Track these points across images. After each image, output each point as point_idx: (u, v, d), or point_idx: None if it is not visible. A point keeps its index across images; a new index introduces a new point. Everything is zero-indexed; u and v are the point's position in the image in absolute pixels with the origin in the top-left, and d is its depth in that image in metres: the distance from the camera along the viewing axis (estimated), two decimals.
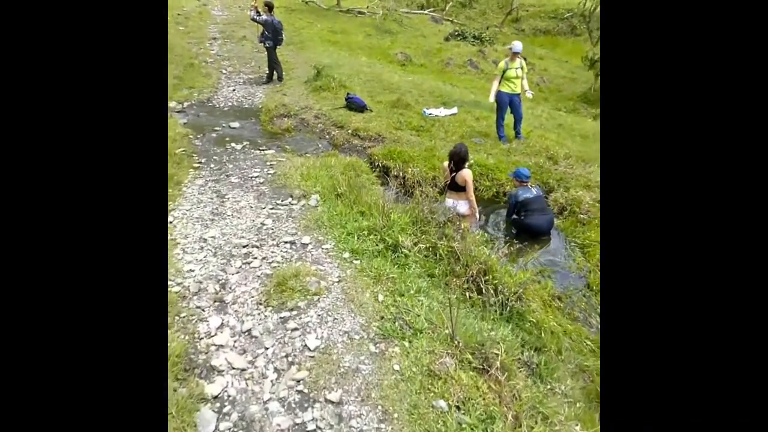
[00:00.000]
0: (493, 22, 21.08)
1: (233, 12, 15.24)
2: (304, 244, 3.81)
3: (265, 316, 2.88)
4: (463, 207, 4.67)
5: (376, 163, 6.39)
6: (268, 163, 5.71)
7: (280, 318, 2.84)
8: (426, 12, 19.81)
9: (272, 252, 3.66)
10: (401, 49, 14.11)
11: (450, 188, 4.67)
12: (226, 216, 4.31)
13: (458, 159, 4.57)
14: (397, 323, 2.77)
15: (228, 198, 4.71)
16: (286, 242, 3.82)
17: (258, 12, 8.96)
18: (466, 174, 4.57)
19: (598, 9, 17.93)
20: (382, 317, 2.84)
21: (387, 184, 6.16)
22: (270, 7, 8.98)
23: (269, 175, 5.32)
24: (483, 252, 3.73)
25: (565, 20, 21.77)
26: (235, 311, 2.94)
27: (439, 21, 18.64)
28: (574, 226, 5.19)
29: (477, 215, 4.84)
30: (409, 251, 3.74)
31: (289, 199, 4.67)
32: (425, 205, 4.13)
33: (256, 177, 5.28)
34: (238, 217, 4.28)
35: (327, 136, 7.20)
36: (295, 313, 2.88)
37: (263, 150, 6.33)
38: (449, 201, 4.66)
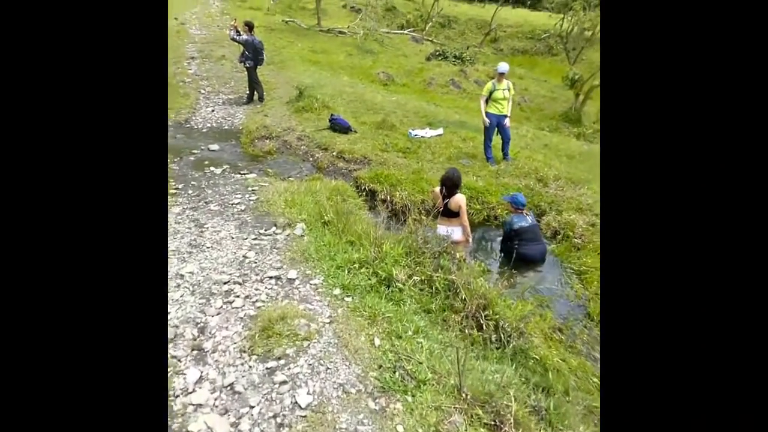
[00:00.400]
0: (472, 42, 21.40)
1: (212, 31, 15.03)
2: (290, 279, 3.53)
3: (250, 366, 2.58)
4: (457, 234, 4.48)
5: (363, 187, 6.18)
6: (250, 189, 5.44)
7: (267, 369, 2.55)
8: (406, 32, 19.98)
9: (256, 289, 3.37)
10: (383, 68, 14.09)
11: (442, 214, 4.48)
12: (205, 248, 4.00)
13: (451, 184, 4.39)
14: (397, 373, 2.51)
15: (207, 227, 4.41)
16: (270, 277, 3.54)
17: (238, 31, 8.77)
18: (460, 199, 4.39)
19: (575, 30, 18.40)
20: (381, 366, 2.58)
21: (374, 208, 5.95)
22: (250, 27, 8.80)
23: (251, 202, 5.04)
24: (482, 285, 3.52)
25: (542, 40, 22.27)
26: (216, 361, 2.64)
27: (419, 41, 18.79)
28: (568, 251, 5.05)
29: (470, 240, 4.66)
30: (404, 285, 3.50)
31: (273, 228, 4.39)
32: (419, 234, 3.91)
33: (237, 204, 4.99)
34: (219, 250, 3.98)
35: (311, 159, 6.97)
36: (283, 362, 2.60)
37: (244, 174, 6.05)
38: (442, 228, 4.45)
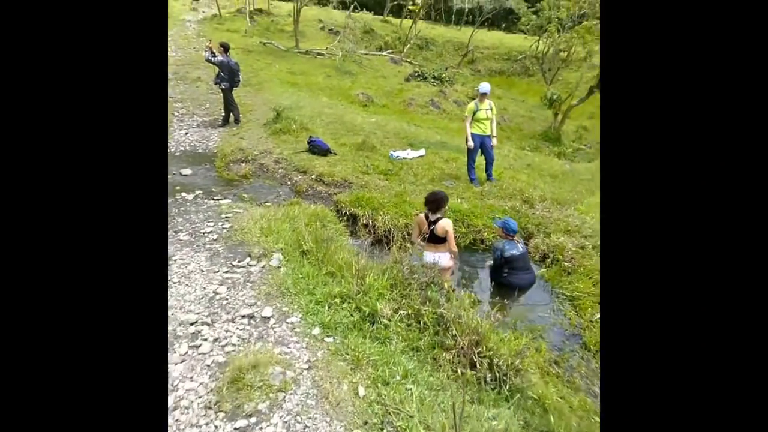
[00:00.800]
0: (450, 63, 21.62)
1: (187, 53, 14.77)
2: (265, 317, 3.22)
3: (216, 427, 2.25)
4: (444, 260, 4.25)
5: (343, 211, 5.91)
6: (224, 216, 5.11)
7: (235, 430, 2.23)
8: (385, 53, 20.07)
9: (226, 331, 3.05)
10: (362, 89, 14.00)
11: (429, 240, 4.24)
12: (171, 283, 3.66)
13: (434, 199, 4.18)
14: (385, 431, 2.21)
15: (175, 260, 4.07)
16: (243, 316, 3.22)
17: (213, 53, 8.53)
18: (446, 224, 4.17)
19: (550, 51, 18.76)
20: (366, 422, 2.28)
21: (356, 233, 5.69)
22: (226, 48, 8.58)
23: (224, 230, 4.72)
24: (473, 318, 3.27)
25: (518, 61, 22.66)
26: (177, 421, 2.30)
27: (398, 62, 18.87)
28: (559, 275, 4.85)
29: (457, 265, 4.44)
30: (389, 321, 3.23)
31: (248, 260, 4.08)
32: (404, 263, 3.66)
33: (209, 233, 4.66)
34: (187, 285, 3.65)
35: (289, 183, 6.69)
36: (254, 420, 2.28)
37: (218, 200, 5.73)
38: (428, 255, 4.20)
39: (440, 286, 3.67)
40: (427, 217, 4.26)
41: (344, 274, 3.71)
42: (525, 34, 23.60)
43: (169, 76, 12.03)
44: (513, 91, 19.04)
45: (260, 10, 23.31)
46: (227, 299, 3.45)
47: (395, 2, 27.96)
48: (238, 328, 3.09)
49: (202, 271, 3.88)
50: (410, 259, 3.79)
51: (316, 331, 3.05)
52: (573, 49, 15.52)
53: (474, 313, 3.47)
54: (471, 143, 6.59)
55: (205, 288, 3.60)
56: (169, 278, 3.74)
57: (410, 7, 24.39)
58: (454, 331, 3.17)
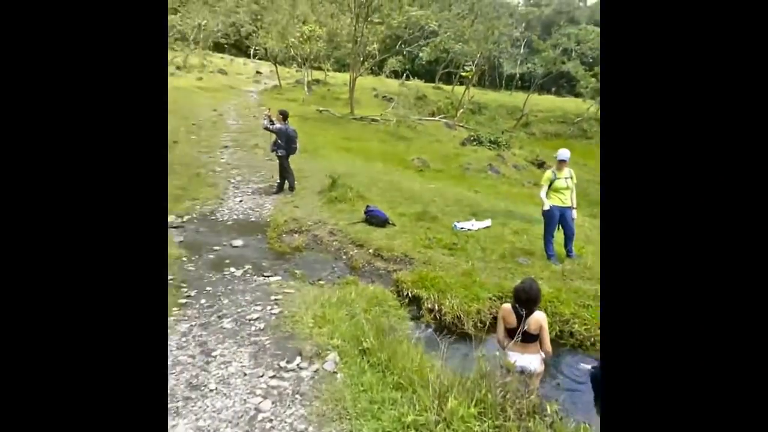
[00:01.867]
0: (504, 127, 21.27)
1: (248, 121, 15.27)
2: None
3: None
4: (535, 363, 3.41)
5: (405, 293, 5.20)
6: (273, 298, 4.54)
7: None
8: (438, 118, 20.05)
9: None
10: (417, 154, 13.71)
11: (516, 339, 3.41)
12: (207, 392, 3.03)
13: (527, 298, 3.38)
14: None
15: (215, 356, 3.47)
16: None
17: (272, 120, 8.48)
18: (541, 318, 3.38)
19: None
20: None
21: (419, 318, 4.94)
22: (284, 116, 8.52)
23: (272, 317, 4.12)
24: None
25: (575, 124, 21.99)
26: None
27: (452, 126, 18.71)
28: None
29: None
30: None
31: (298, 360, 3.41)
32: (496, 380, 2.84)
33: (255, 320, 4.08)
34: (224, 395, 3.00)
35: (344, 257, 6.11)
36: None
37: (268, 276, 5.21)
38: (516, 357, 3.36)
39: (543, 412, 2.80)
40: (515, 308, 3.47)
41: (416, 389, 2.93)
42: (580, 97, 23.14)
43: (228, 143, 12.31)
44: (573, 155, 18.17)
45: (318, 81, 24.41)
46: (271, 420, 2.75)
47: (446, 70, 28.59)
48: None
49: (244, 374, 3.23)
50: (501, 372, 2.97)
51: None
52: None
53: None
54: (547, 203, 5.80)
55: (245, 401, 2.93)
56: (204, 384, 3.11)
57: (463, 74, 24.73)
58: None
